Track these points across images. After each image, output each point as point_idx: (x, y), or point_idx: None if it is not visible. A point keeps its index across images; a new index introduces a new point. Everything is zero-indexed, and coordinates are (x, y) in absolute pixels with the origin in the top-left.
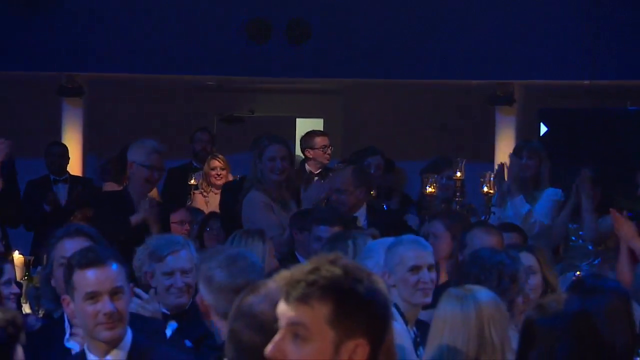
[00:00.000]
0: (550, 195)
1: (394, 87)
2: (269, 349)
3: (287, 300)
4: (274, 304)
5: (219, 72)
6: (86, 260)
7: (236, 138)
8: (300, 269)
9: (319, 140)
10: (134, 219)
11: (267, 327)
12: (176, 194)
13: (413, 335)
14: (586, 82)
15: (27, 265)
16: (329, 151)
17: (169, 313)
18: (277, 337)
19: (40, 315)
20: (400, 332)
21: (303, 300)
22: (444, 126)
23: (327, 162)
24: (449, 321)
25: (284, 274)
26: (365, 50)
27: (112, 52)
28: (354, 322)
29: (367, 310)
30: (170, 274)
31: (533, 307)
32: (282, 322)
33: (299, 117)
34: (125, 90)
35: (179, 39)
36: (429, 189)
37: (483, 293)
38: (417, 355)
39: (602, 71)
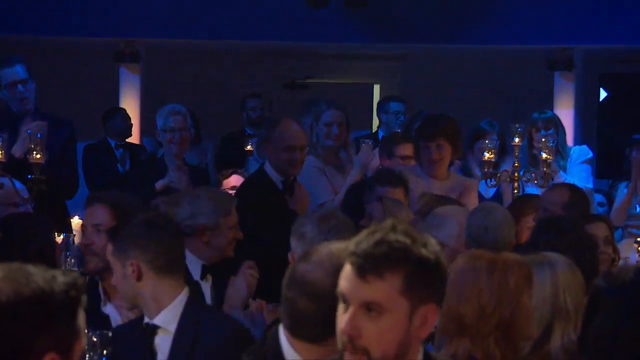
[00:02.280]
0: (581, 156)
1: (453, 52)
2: (343, 326)
3: (358, 275)
4: (327, 271)
5: (276, 38)
6: None
7: (298, 104)
8: (365, 240)
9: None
10: (159, 184)
11: (321, 294)
12: (230, 161)
13: None
14: None
15: None
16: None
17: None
18: (349, 314)
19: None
20: None
21: (377, 274)
22: (502, 92)
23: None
24: None
25: (344, 245)
26: (423, 16)
27: (170, 17)
28: (425, 288)
29: (435, 275)
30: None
31: (602, 276)
32: (352, 298)
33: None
34: (182, 56)
35: (236, 5)
36: (487, 155)
37: (559, 259)
38: None
39: None
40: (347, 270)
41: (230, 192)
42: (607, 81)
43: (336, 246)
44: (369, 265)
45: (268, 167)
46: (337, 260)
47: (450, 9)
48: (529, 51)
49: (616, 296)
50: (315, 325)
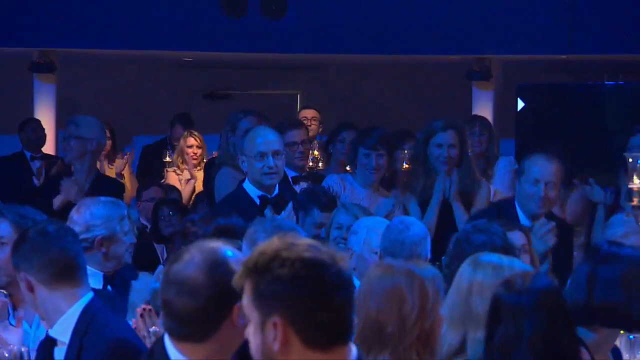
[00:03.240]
0: (505, 166)
1: (374, 62)
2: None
3: None
4: (199, 267)
5: (193, 48)
6: None
7: (218, 116)
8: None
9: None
10: (56, 202)
11: (197, 290)
12: (150, 170)
13: None
14: (563, 56)
15: None
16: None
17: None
18: None
19: None
20: None
21: (238, 284)
22: (422, 101)
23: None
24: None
25: (214, 242)
26: (342, 26)
27: (86, 27)
28: (266, 299)
29: (277, 287)
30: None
31: (500, 284)
32: None
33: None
34: (98, 66)
35: (154, 14)
36: (406, 165)
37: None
38: None
39: (579, 46)
40: None
41: (149, 204)
42: (524, 91)
43: (206, 243)
44: (237, 273)
45: (247, 183)
46: (207, 255)
47: (370, 19)
48: (447, 61)
49: (515, 304)
50: (196, 323)
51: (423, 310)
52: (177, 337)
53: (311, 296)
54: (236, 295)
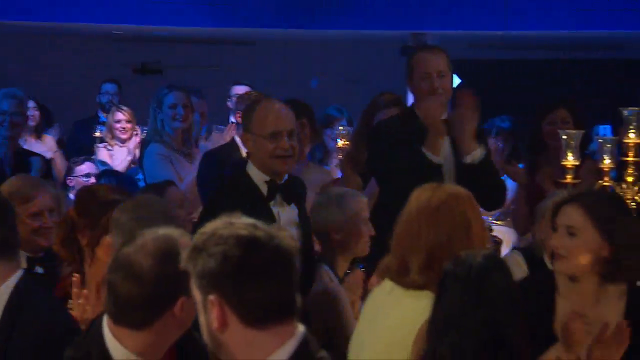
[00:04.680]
0: None
1: (306, 38)
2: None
3: None
4: (150, 254)
5: (123, 21)
6: None
7: (149, 91)
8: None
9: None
10: None
11: (144, 277)
12: (82, 147)
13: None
14: (499, 32)
15: None
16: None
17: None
18: None
19: None
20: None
21: (186, 266)
22: (358, 78)
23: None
24: None
25: (171, 230)
26: (274, 1)
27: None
28: (202, 278)
29: (208, 266)
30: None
31: (452, 259)
32: None
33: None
34: (27, 39)
35: None
36: (341, 142)
37: None
38: None
39: (515, 22)
40: None
41: (84, 180)
42: (461, 67)
43: (163, 231)
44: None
45: (250, 166)
46: (161, 243)
47: None
48: (382, 37)
49: (463, 279)
50: (137, 310)
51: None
52: (116, 321)
53: (243, 274)
54: (183, 288)
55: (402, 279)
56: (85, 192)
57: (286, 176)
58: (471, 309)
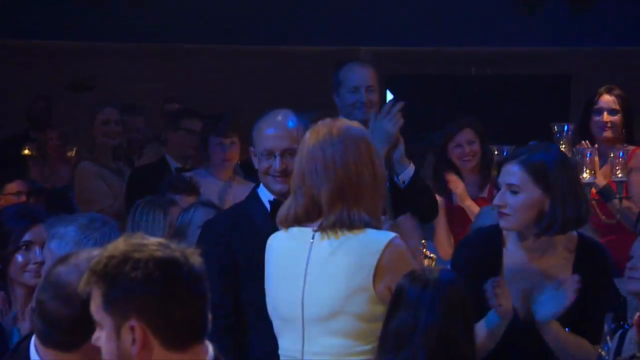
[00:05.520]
0: None
1: (240, 52)
2: (94, 336)
3: None
4: (82, 275)
5: (54, 37)
6: None
7: (81, 107)
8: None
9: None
10: None
11: (74, 298)
12: (11, 164)
13: None
14: (432, 48)
15: None
16: None
17: None
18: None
19: None
20: None
21: (84, 292)
22: (288, 92)
23: None
24: None
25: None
26: (208, 15)
27: None
28: (119, 304)
29: (130, 290)
30: None
31: (405, 275)
32: None
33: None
34: None
35: (16, 1)
36: None
37: None
38: None
39: (447, 37)
40: None
41: (14, 198)
42: (393, 83)
43: (97, 251)
44: (83, 280)
45: (260, 185)
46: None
47: (238, 8)
48: (317, 52)
49: (419, 294)
50: (65, 332)
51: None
52: (43, 341)
53: (168, 296)
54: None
55: (314, 221)
56: (2, 212)
57: None
58: (426, 325)
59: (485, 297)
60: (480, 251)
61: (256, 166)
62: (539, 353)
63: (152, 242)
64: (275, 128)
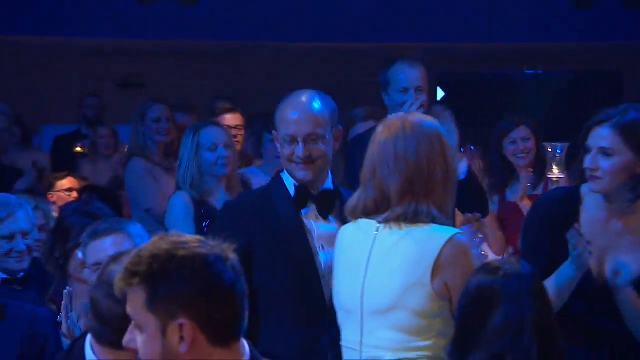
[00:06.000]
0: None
1: (289, 50)
2: (125, 338)
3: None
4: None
5: (105, 35)
6: None
7: (131, 105)
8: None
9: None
10: None
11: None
12: (64, 161)
13: None
14: (484, 45)
15: None
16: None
17: (7, 277)
18: (130, 327)
19: None
20: None
21: (122, 292)
22: (339, 90)
23: None
24: None
25: None
26: (256, 13)
27: None
28: (167, 303)
29: (177, 289)
30: (9, 237)
31: (483, 271)
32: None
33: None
34: (6, 52)
35: (66, 0)
36: None
37: None
38: None
39: (499, 34)
40: None
41: (66, 194)
42: (444, 80)
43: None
44: (120, 282)
45: (284, 171)
46: None
47: (286, 5)
48: (366, 49)
49: (517, 287)
50: (118, 330)
51: (449, 159)
52: (98, 339)
53: (214, 292)
54: None
55: (382, 214)
56: (63, 209)
57: (328, 184)
58: (532, 317)
59: (558, 253)
60: (557, 208)
61: (279, 152)
62: (609, 315)
63: (191, 240)
64: (298, 112)
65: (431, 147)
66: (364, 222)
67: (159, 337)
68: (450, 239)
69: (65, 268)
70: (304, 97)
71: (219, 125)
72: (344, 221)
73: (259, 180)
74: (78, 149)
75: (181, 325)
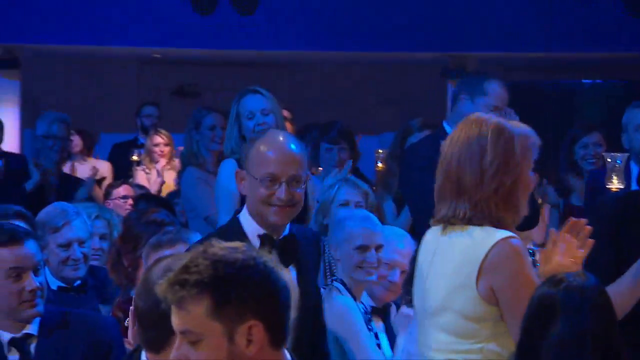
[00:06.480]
0: None
1: (342, 59)
2: (172, 356)
3: (174, 304)
4: (162, 271)
5: (163, 44)
6: (7, 237)
7: (187, 114)
8: (176, 268)
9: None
10: (29, 185)
11: (152, 294)
12: (120, 169)
13: (363, 309)
14: (540, 54)
15: None
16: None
17: (64, 285)
18: (175, 345)
19: None
20: (348, 305)
21: (179, 305)
22: (396, 100)
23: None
24: None
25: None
26: (314, 23)
27: (51, 22)
28: (236, 306)
29: (248, 290)
30: (66, 245)
31: (547, 283)
32: (175, 327)
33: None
34: (65, 62)
35: (122, 9)
36: (380, 165)
37: None
38: (369, 329)
39: (557, 44)
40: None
41: (121, 202)
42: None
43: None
44: (172, 295)
45: (244, 213)
46: (171, 261)
47: (342, 15)
48: (422, 58)
49: (579, 302)
50: (151, 328)
51: (506, 165)
52: (143, 343)
53: (274, 293)
54: None
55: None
56: (128, 218)
57: (287, 230)
58: (593, 333)
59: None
60: (623, 204)
61: (245, 192)
62: None
63: (237, 245)
64: (280, 151)
65: (505, 151)
66: (435, 225)
67: (224, 344)
68: (499, 242)
69: (134, 275)
70: (281, 136)
71: (257, 92)
72: (301, 268)
73: (315, 187)
74: (134, 157)
75: (250, 328)
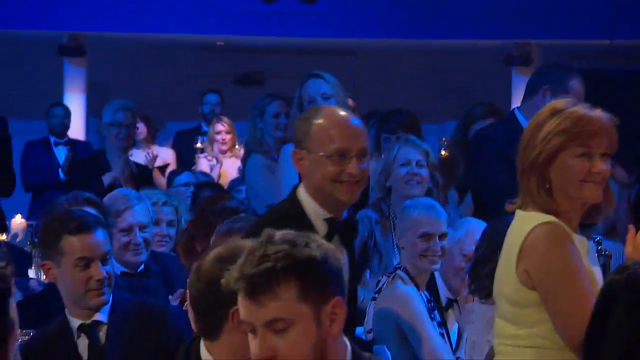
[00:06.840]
0: None
1: (406, 47)
2: (257, 351)
3: (251, 299)
4: (216, 259)
5: (227, 32)
6: (77, 225)
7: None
8: (247, 262)
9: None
10: (107, 178)
11: (202, 279)
12: (184, 156)
13: (425, 299)
14: (606, 41)
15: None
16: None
17: (127, 270)
18: (259, 339)
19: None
20: (412, 294)
21: (270, 292)
22: (456, 88)
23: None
24: None
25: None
26: (377, 10)
27: (116, 10)
28: (322, 285)
29: (327, 269)
30: (128, 230)
31: (616, 270)
32: (255, 322)
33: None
34: (130, 50)
35: None
36: (444, 152)
37: None
38: (432, 318)
39: (622, 31)
40: (240, 296)
41: (183, 189)
42: None
43: (246, 242)
44: (258, 286)
45: (303, 194)
46: (226, 249)
47: (405, 2)
48: (486, 46)
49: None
50: (205, 316)
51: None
52: (199, 332)
53: (341, 271)
54: (231, 300)
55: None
56: (202, 204)
57: (345, 212)
58: None
59: None
60: None
61: (305, 172)
62: None
63: (287, 232)
64: (345, 124)
65: (543, 129)
66: (510, 209)
67: (313, 327)
68: (536, 227)
69: None
70: (341, 111)
71: (319, 76)
72: (352, 248)
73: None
74: (198, 144)
75: (335, 305)
